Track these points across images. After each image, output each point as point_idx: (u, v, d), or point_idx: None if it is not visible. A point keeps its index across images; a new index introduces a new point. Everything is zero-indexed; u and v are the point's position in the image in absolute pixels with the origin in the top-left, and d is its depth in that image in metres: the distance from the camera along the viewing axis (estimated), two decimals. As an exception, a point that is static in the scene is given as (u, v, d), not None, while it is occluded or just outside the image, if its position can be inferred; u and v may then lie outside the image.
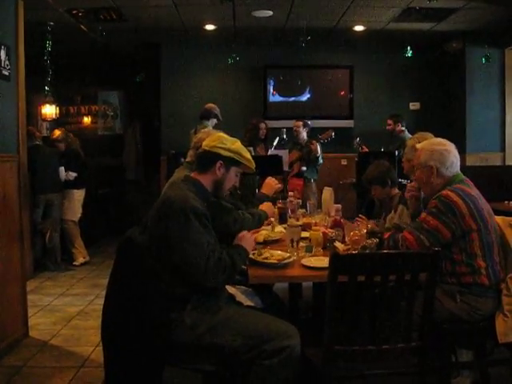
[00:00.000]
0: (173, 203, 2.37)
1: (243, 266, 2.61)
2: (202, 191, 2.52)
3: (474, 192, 2.74)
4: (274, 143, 6.71)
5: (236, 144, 2.60)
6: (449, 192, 2.66)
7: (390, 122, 7.14)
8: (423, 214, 2.71)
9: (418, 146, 2.92)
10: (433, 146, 2.84)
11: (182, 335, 2.33)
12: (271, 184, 3.76)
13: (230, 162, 2.57)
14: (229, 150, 2.55)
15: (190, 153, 3.65)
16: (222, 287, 2.53)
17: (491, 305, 2.62)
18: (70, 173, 6.66)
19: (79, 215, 6.79)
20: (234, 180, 2.66)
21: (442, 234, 2.62)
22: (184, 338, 2.33)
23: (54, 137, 6.86)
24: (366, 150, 7.13)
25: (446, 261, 2.67)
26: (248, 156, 2.62)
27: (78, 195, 6.79)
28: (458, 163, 2.83)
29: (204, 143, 2.65)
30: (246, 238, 2.61)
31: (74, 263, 6.71)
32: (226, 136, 2.66)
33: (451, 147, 2.82)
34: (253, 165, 2.65)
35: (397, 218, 3.54)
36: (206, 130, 3.81)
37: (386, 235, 2.79)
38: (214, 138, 2.61)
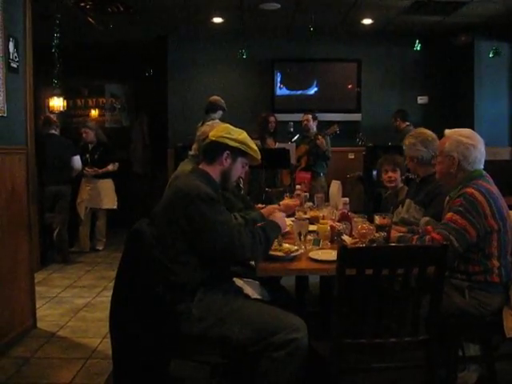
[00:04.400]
0: (187, 192, 2.39)
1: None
2: (211, 182, 2.54)
3: (495, 189, 2.69)
4: (294, 138, 6.76)
5: (242, 135, 2.62)
6: (473, 190, 2.60)
7: (393, 119, 7.22)
8: (449, 214, 2.64)
9: (447, 132, 2.85)
10: (460, 137, 2.76)
11: (189, 327, 2.34)
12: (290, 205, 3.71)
13: (237, 152, 2.59)
14: (235, 140, 2.57)
15: (195, 146, 3.66)
16: (230, 279, 2.54)
17: (500, 300, 2.61)
18: (116, 163, 7.07)
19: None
20: (241, 171, 2.68)
21: (470, 233, 2.56)
22: (191, 329, 2.34)
23: (88, 124, 7.11)
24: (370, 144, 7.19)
25: (460, 260, 2.64)
26: (254, 147, 2.64)
27: (112, 184, 7.12)
28: (483, 159, 2.77)
29: (210, 134, 2.67)
30: (278, 217, 2.71)
31: (97, 248, 7.13)
32: (232, 127, 2.68)
33: (478, 143, 2.75)
34: (259, 156, 2.67)
35: (404, 212, 3.54)
36: (209, 122, 3.81)
37: (414, 239, 2.70)
38: (221, 129, 2.64)
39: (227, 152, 2.57)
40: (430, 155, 3.41)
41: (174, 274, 2.38)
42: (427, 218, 3.18)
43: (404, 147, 3.57)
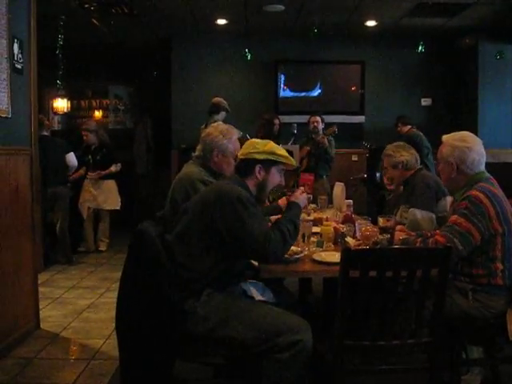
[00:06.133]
0: (226, 193, 2.45)
1: None
2: (248, 192, 2.58)
3: (500, 192, 2.68)
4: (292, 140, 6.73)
5: (268, 145, 2.66)
6: (478, 193, 2.60)
7: (395, 126, 7.31)
8: (454, 217, 2.63)
9: (443, 138, 2.84)
10: (455, 141, 2.75)
11: (194, 327, 2.36)
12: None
13: (268, 163, 2.63)
14: (263, 152, 2.61)
15: (199, 147, 3.65)
16: (238, 282, 2.56)
17: (504, 303, 2.59)
18: (119, 164, 7.04)
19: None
20: (279, 179, 2.72)
21: (474, 236, 2.55)
22: (196, 329, 2.36)
23: (88, 126, 7.02)
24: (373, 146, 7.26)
25: (463, 263, 2.64)
26: (283, 153, 2.67)
27: (115, 185, 7.10)
28: (483, 160, 2.75)
29: (239, 153, 2.74)
30: (297, 195, 2.73)
31: (100, 249, 7.11)
32: (257, 140, 2.76)
33: (474, 144, 2.74)
34: (291, 160, 2.71)
35: (398, 216, 3.55)
36: (214, 124, 3.80)
37: (418, 241, 2.72)
38: (247, 146, 2.69)
39: (259, 166, 2.62)
40: (414, 159, 3.63)
41: (187, 270, 2.41)
42: (411, 209, 3.36)
43: (385, 159, 3.71)
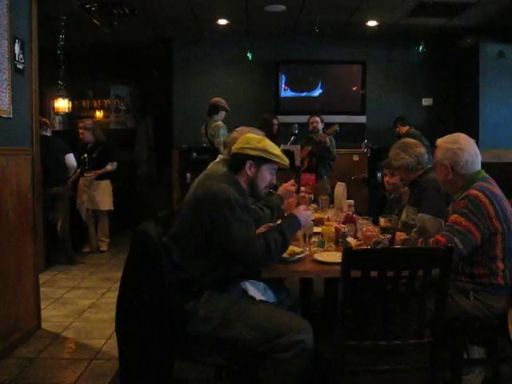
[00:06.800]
0: (216, 194, 2.42)
1: None
2: (240, 189, 2.55)
3: (499, 191, 2.68)
4: (291, 140, 6.72)
5: (263, 142, 2.62)
6: (477, 192, 2.60)
7: (394, 127, 7.40)
8: (453, 216, 2.63)
9: (437, 141, 2.85)
10: (447, 144, 2.76)
11: (195, 327, 2.37)
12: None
13: (259, 160, 2.59)
14: (256, 148, 2.58)
15: (225, 151, 3.63)
16: (238, 282, 2.56)
17: (505, 303, 2.60)
18: (115, 163, 6.98)
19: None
20: (270, 177, 2.67)
21: (474, 235, 2.55)
22: (198, 330, 2.37)
23: (85, 124, 6.98)
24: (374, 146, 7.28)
25: (464, 262, 2.64)
26: (276, 152, 2.63)
27: (110, 186, 7.05)
28: (477, 160, 2.75)
29: (233, 147, 2.71)
30: (301, 212, 2.68)
31: (101, 249, 7.08)
32: (252, 136, 2.70)
33: (466, 145, 2.74)
34: (283, 160, 2.66)
35: (404, 216, 3.54)
36: (239, 128, 3.76)
37: (419, 241, 2.72)
38: (241, 140, 2.66)
39: (249, 162, 2.58)
40: (416, 160, 3.50)
41: (184, 272, 2.41)
42: (420, 215, 3.25)
43: (391, 160, 3.65)
